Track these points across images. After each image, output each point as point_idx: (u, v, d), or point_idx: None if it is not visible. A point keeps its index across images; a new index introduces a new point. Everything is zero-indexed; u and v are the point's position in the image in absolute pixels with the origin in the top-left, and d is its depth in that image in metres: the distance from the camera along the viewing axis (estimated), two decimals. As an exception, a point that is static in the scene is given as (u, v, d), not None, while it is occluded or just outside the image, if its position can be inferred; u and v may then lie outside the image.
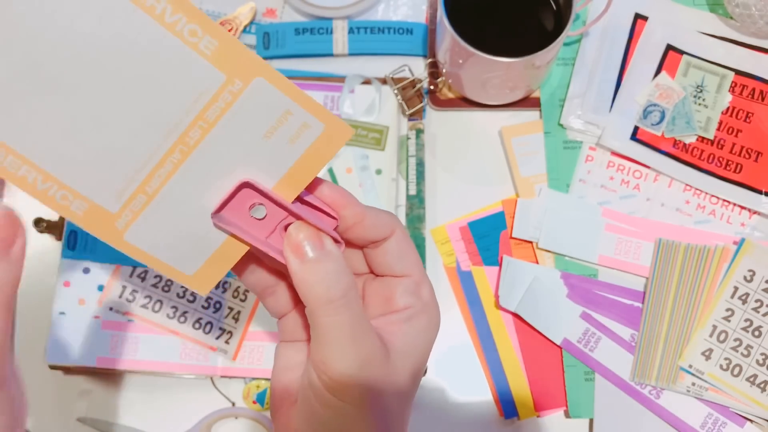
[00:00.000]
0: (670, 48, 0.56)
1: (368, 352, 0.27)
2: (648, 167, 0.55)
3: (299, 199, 0.29)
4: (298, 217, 0.28)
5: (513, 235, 0.54)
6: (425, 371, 0.51)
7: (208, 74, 0.26)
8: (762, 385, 0.50)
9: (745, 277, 0.51)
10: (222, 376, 0.52)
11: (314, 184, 0.29)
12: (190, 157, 0.27)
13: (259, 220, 0.29)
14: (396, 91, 0.56)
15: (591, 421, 0.51)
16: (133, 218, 0.28)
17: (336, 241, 0.28)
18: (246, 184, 0.28)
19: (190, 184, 0.28)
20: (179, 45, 0.25)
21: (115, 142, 0.26)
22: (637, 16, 0.57)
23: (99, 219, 0.27)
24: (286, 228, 0.29)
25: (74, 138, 0.26)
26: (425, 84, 0.57)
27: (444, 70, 0.55)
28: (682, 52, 0.56)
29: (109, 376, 0.52)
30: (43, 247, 0.54)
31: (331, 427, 0.29)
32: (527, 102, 0.57)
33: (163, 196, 0.28)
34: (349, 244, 0.31)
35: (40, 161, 0.26)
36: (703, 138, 0.55)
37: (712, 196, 0.54)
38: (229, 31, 0.58)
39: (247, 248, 0.29)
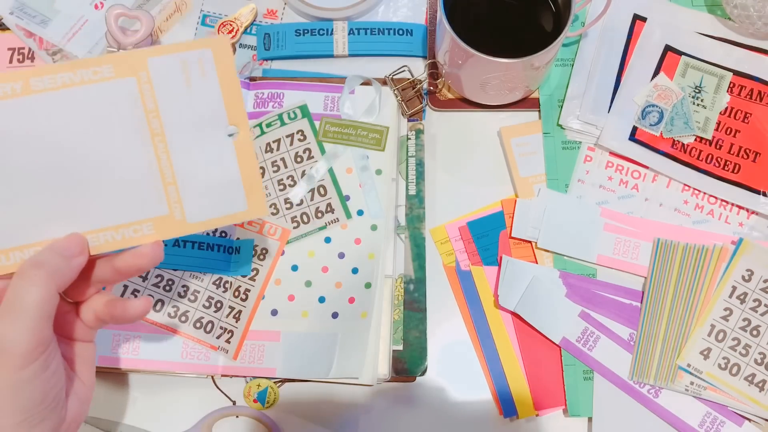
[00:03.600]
0: (668, 49, 0.57)
1: None
2: (646, 167, 0.55)
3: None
4: None
5: (512, 235, 0.54)
6: (424, 371, 0.51)
7: (125, 84, 0.36)
8: (760, 384, 0.50)
9: (743, 277, 0.51)
10: (223, 375, 0.52)
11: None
12: (168, 137, 0.37)
13: None
14: (396, 92, 0.56)
15: (590, 420, 0.52)
16: (181, 205, 0.38)
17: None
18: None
19: (185, 152, 0.37)
20: (95, 86, 0.36)
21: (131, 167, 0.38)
22: (636, 17, 0.58)
23: (165, 224, 0.38)
24: None
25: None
26: (425, 85, 0.58)
27: (443, 71, 0.55)
28: (680, 53, 0.57)
29: (110, 375, 0.52)
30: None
31: None
32: (526, 103, 0.57)
33: (181, 175, 0.37)
34: None
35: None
36: (702, 138, 0.55)
37: (711, 196, 0.55)
38: (230, 32, 0.59)
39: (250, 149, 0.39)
